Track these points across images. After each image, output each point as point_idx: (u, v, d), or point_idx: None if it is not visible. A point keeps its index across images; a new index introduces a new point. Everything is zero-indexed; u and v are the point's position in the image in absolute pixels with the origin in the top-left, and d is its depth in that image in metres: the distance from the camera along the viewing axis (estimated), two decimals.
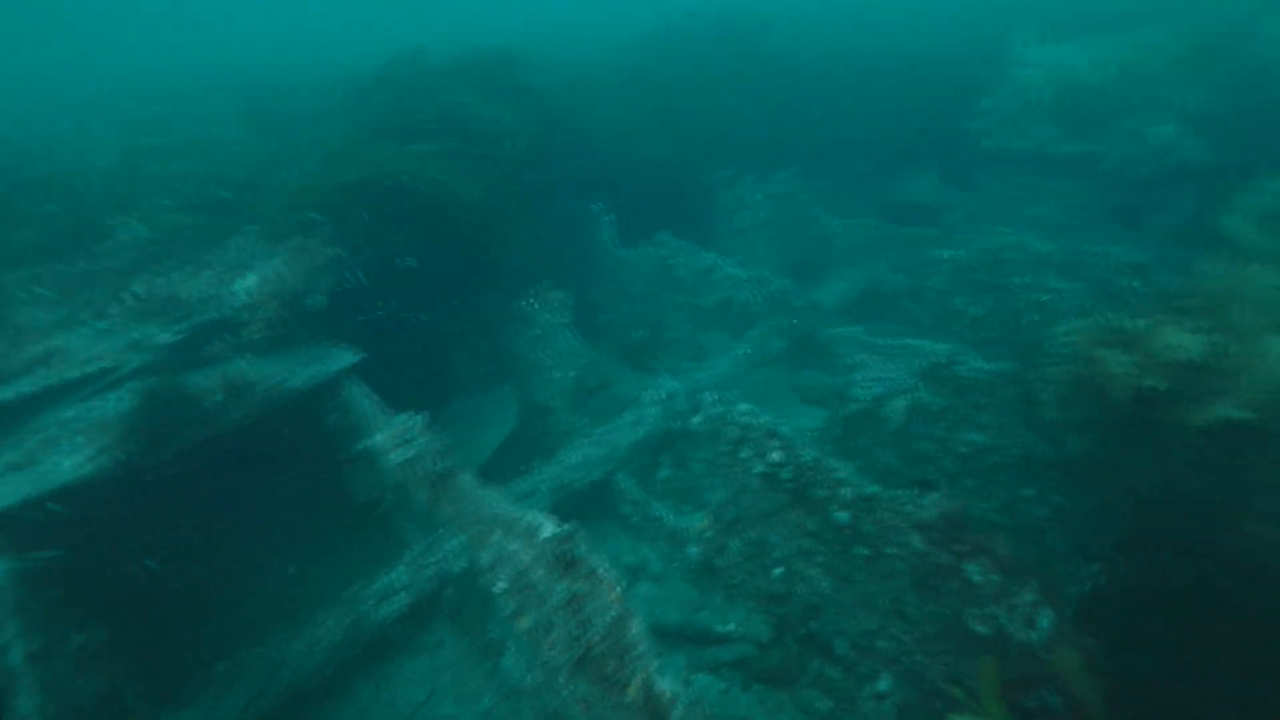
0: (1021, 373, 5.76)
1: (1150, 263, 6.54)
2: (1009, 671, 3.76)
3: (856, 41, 11.77)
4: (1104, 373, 4.96)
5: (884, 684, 5.00)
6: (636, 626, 3.61)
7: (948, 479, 6.32)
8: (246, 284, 5.66)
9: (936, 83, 9.78)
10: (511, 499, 6.48)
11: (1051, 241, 7.13)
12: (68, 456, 4.98)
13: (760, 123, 11.47)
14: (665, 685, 3.35)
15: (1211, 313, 4.87)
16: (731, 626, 5.77)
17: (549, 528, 3.99)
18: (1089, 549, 5.03)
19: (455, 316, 8.48)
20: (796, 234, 9.63)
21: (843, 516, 4.89)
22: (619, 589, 3.65)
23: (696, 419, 5.88)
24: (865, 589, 4.96)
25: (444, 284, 8.40)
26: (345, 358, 6.17)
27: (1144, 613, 4.22)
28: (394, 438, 4.97)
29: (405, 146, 7.63)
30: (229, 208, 7.03)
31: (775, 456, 5.29)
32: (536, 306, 7.81)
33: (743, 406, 5.64)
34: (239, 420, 5.27)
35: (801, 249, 9.51)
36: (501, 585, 4.34)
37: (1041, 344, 5.82)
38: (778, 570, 5.58)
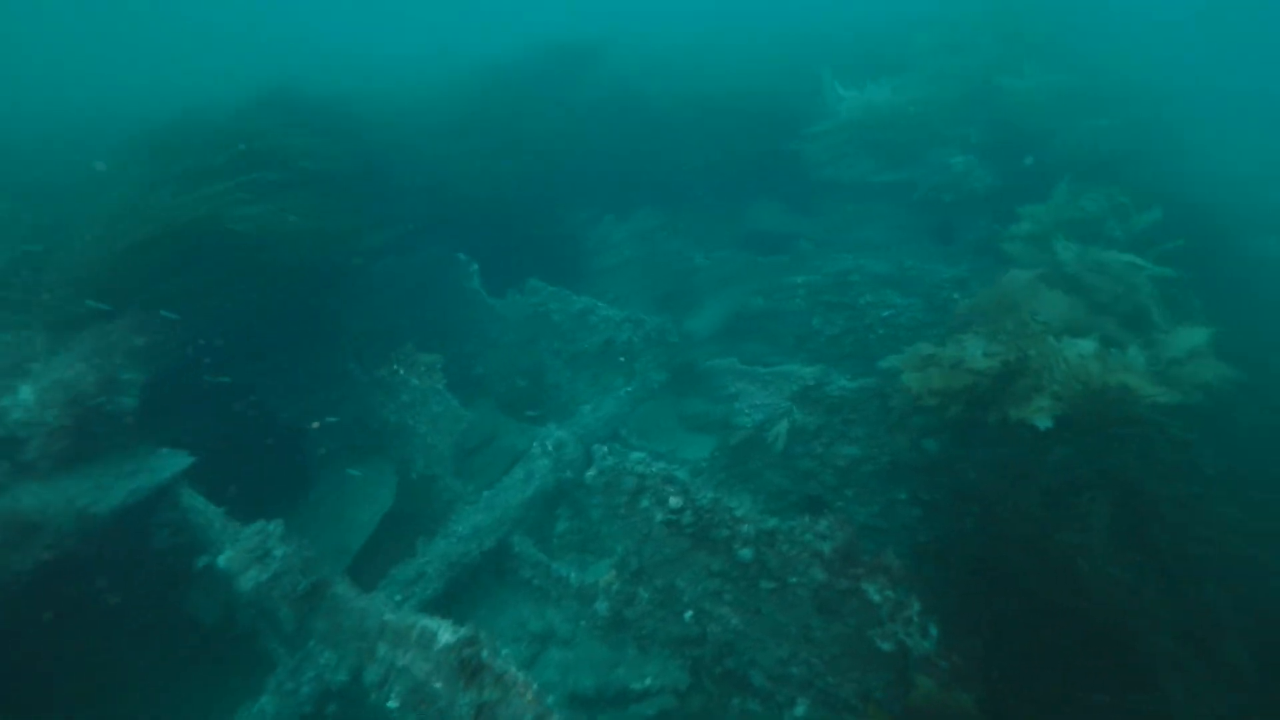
0: (881, 386, 6.30)
1: (965, 276, 7.53)
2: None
3: (696, 82, 12.44)
4: (926, 385, 5.59)
5: (801, 709, 5.12)
6: None
7: (831, 491, 6.72)
8: (26, 393, 4.61)
9: (772, 120, 10.62)
10: (398, 589, 5.92)
11: (886, 262, 7.97)
12: None
13: (612, 159, 11.64)
14: None
15: (1004, 321, 5.68)
16: (649, 680, 5.64)
17: (446, 633, 3.61)
18: (951, 546, 5.57)
19: (307, 390, 7.61)
20: (662, 269, 9.91)
21: (746, 553, 4.97)
22: (534, 689, 3.37)
23: (591, 473, 5.72)
24: (774, 620, 5.06)
25: (285, 354, 7.52)
26: (172, 463, 5.23)
27: (979, 601, 4.80)
28: (246, 553, 4.28)
29: (195, 190, 6.57)
30: None
31: (674, 502, 5.27)
32: (403, 371, 7.22)
33: (636, 455, 5.59)
34: (31, 565, 4.22)
35: (669, 283, 9.78)
36: (395, 703, 3.87)
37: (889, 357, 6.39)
38: (688, 614, 5.55)
